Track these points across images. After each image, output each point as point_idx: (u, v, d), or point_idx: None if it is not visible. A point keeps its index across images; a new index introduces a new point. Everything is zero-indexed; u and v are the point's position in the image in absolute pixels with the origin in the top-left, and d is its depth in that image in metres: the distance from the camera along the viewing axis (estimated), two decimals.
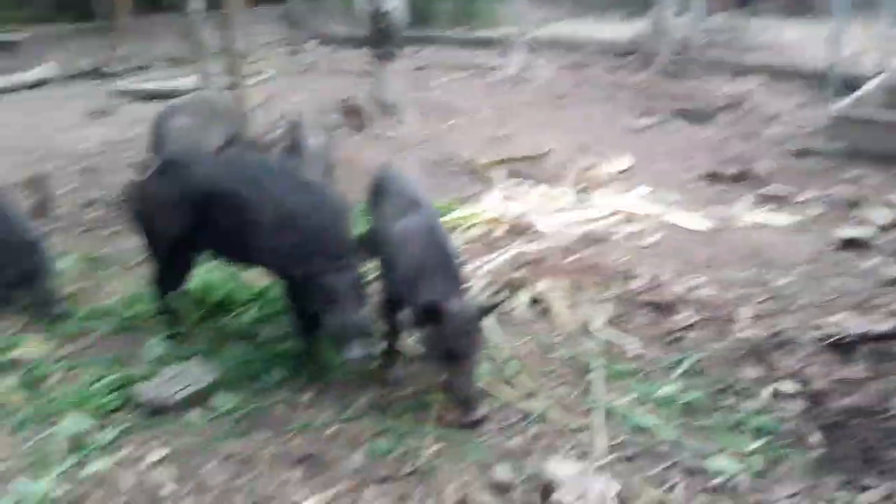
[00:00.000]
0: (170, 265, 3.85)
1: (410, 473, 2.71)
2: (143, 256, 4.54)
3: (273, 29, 17.36)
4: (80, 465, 2.85)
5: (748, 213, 5.34)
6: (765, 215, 5.30)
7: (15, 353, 3.61)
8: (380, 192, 3.57)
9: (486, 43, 15.01)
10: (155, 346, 3.70)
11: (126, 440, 3.00)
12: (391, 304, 3.35)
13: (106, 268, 4.71)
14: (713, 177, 6.31)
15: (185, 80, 11.30)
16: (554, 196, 5.73)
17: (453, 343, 2.92)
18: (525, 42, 12.80)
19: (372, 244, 3.45)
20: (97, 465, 2.85)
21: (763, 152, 7.15)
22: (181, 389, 3.23)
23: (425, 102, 9.68)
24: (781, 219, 5.21)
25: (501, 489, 2.61)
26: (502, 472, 2.65)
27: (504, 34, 15.37)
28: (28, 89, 11.42)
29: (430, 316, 2.92)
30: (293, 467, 2.81)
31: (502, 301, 3.69)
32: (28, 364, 3.52)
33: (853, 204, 5.48)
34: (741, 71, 10.62)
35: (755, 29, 14.22)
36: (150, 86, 11.31)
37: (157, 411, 3.15)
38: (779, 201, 5.61)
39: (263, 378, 3.41)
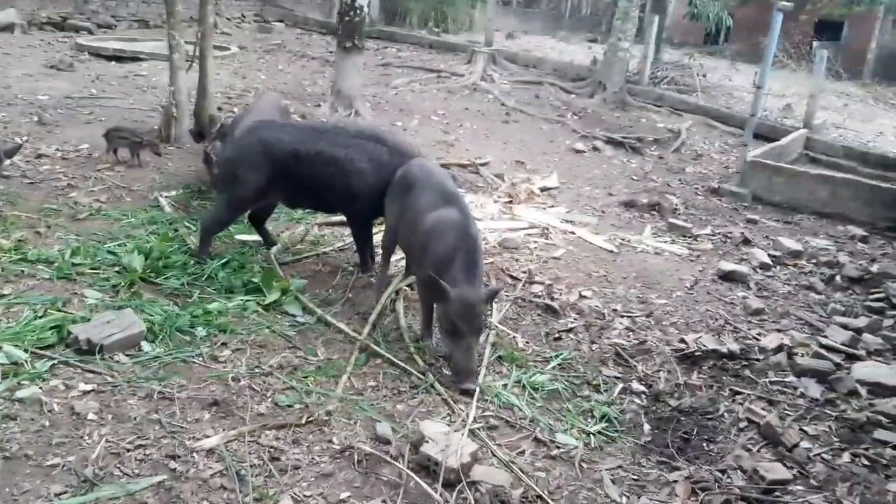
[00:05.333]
0: None
1: (307, 423, 3.15)
2: (89, 211, 4.88)
3: (245, 4, 17.53)
4: (13, 390, 3.14)
5: (649, 240, 5.95)
6: (662, 243, 5.92)
7: None
8: (411, 183, 4.06)
9: (452, 48, 15.44)
10: (93, 294, 4.04)
11: (57, 373, 3.33)
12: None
13: (54, 218, 4.99)
14: (629, 204, 6.93)
15: (150, 44, 11.48)
16: (481, 203, 6.23)
17: (457, 321, 3.45)
18: (488, 52, 13.30)
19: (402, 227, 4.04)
20: (28, 392, 3.14)
21: (680, 187, 7.83)
22: (112, 334, 3.57)
23: (383, 99, 10.08)
24: (676, 248, 5.84)
25: (382, 441, 3.07)
26: (384, 429, 3.12)
27: (470, 41, 15.87)
28: None
29: (441, 295, 3.47)
30: (205, 409, 3.19)
31: (502, 289, 4.44)
32: None
33: (743, 243, 6.16)
34: (681, 108, 11.36)
35: (708, 68, 15.03)
36: (115, 45, 11.43)
37: (88, 351, 3.47)
38: (680, 232, 6.26)
39: (188, 333, 3.79)
